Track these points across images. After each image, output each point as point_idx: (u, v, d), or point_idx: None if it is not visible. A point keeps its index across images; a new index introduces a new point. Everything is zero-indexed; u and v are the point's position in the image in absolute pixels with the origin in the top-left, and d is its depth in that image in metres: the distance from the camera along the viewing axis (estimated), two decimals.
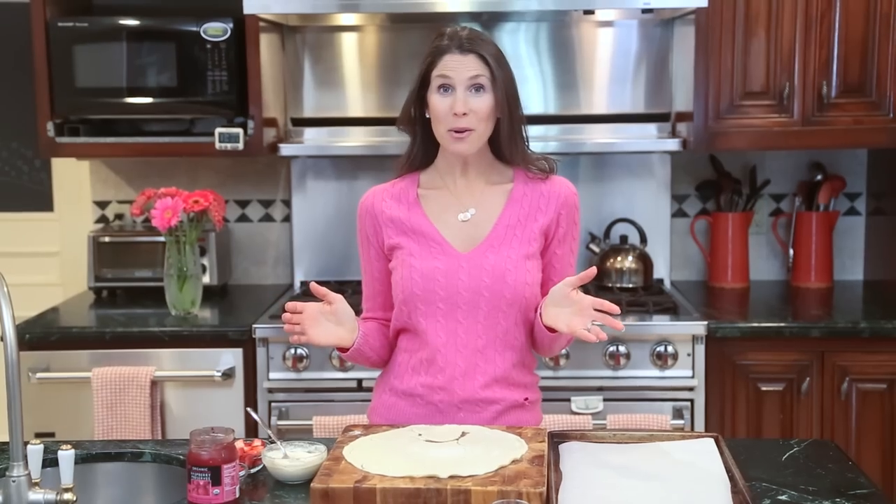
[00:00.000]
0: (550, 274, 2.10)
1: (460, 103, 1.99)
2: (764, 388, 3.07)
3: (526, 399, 2.13)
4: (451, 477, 1.71)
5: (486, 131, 2.04)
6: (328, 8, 3.18)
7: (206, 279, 3.41)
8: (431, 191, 2.13)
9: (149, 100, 3.30)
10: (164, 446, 2.10)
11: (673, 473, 1.82)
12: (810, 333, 3.05)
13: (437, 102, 2.02)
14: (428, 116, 2.07)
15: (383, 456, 1.80)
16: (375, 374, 3.05)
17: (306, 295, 3.41)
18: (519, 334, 2.09)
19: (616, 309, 1.88)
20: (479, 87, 2.01)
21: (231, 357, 3.07)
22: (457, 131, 2.01)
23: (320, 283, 3.54)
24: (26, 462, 1.68)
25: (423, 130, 2.09)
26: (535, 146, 3.38)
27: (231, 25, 3.24)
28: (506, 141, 2.05)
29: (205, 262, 3.43)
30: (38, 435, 2.94)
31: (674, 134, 3.53)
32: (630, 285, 3.45)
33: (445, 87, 2.02)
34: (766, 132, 3.25)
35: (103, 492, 2.05)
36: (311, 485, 1.71)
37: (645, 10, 3.19)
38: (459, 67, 2.00)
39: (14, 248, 3.92)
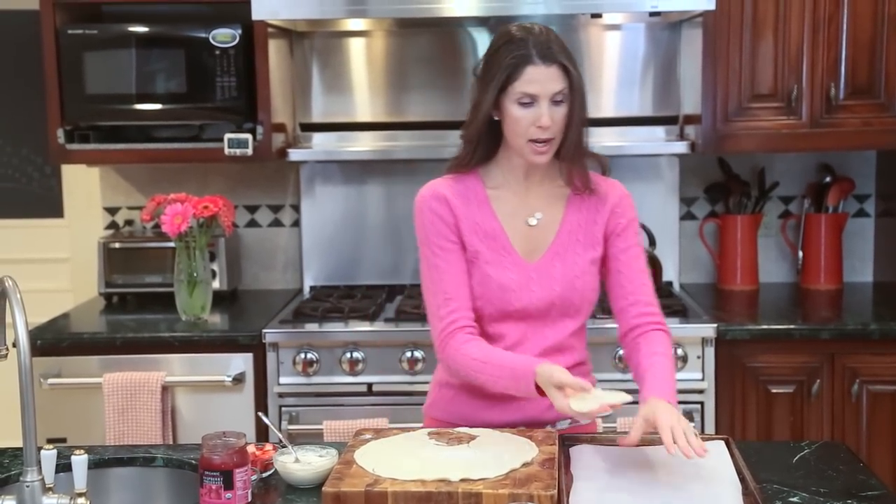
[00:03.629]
0: (619, 266, 2.07)
1: (546, 118, 1.94)
2: (774, 391, 3.06)
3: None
4: (462, 480, 1.71)
5: (562, 138, 2.00)
6: (336, 13, 3.19)
7: (215, 284, 3.42)
8: (497, 190, 2.08)
9: (158, 106, 3.31)
10: (176, 451, 2.11)
11: (684, 476, 1.82)
12: (820, 335, 3.04)
13: (518, 114, 1.95)
14: (496, 119, 2.00)
15: (394, 459, 1.81)
16: (385, 378, 3.08)
17: (315, 299, 3.42)
18: (581, 335, 2.12)
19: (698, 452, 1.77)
20: (560, 99, 1.96)
21: (241, 362, 3.08)
22: (539, 142, 1.97)
23: (329, 287, 3.58)
24: (40, 467, 1.69)
25: (488, 129, 2.02)
26: None
27: (239, 31, 3.25)
28: (575, 144, 2.01)
29: (214, 267, 3.44)
30: (49, 440, 2.95)
31: (682, 137, 3.53)
32: None
33: (527, 102, 1.95)
34: (774, 134, 3.25)
35: (116, 497, 2.05)
36: (323, 488, 1.72)
37: (652, 14, 3.20)
38: (544, 81, 1.93)
39: (25, 255, 3.94)
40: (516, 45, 1.95)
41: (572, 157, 2.02)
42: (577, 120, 1.98)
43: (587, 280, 2.06)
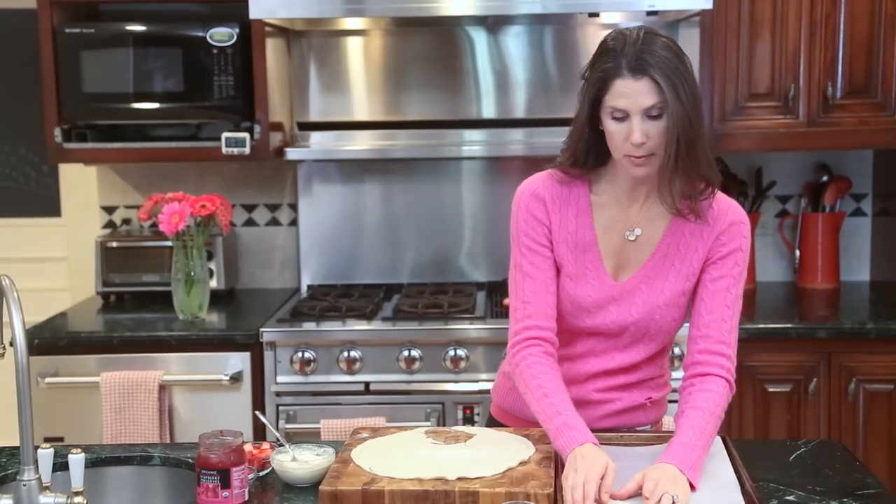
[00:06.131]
0: (704, 294, 1.95)
1: (637, 134, 1.81)
2: (771, 389, 3.07)
3: (649, 399, 2.07)
4: (459, 479, 1.71)
5: (667, 152, 1.84)
6: (333, 12, 3.19)
7: (213, 283, 3.42)
8: (601, 197, 1.97)
9: (155, 105, 3.31)
10: (174, 450, 2.11)
11: None
12: (817, 334, 3.05)
13: (612, 129, 1.84)
14: (600, 128, 1.89)
15: (391, 458, 1.81)
16: (383, 377, 3.08)
17: (313, 298, 3.42)
18: (658, 358, 2.04)
19: None
20: (656, 113, 1.81)
21: (239, 361, 3.08)
22: (636, 157, 1.85)
23: (326, 286, 3.59)
24: (37, 466, 1.69)
25: (594, 137, 1.91)
26: (542, 150, 3.41)
27: (237, 30, 3.25)
28: (673, 163, 1.83)
29: (212, 266, 3.45)
30: (47, 439, 2.95)
31: None
32: None
33: (619, 117, 1.83)
34: (771, 133, 3.25)
35: (113, 496, 2.05)
36: (320, 487, 1.72)
37: (650, 13, 3.20)
38: (632, 95, 1.80)
39: (22, 254, 3.94)
40: (607, 56, 1.83)
41: (671, 178, 1.86)
42: (674, 139, 1.80)
43: (669, 311, 1.96)
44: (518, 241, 1.99)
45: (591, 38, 3.56)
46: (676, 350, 3.00)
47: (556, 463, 1.82)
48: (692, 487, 1.76)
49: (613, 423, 2.06)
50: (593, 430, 1.91)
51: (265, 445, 2.01)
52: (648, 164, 1.85)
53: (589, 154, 1.94)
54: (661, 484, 1.72)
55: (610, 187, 1.97)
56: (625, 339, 2.00)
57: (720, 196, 1.97)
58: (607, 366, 2.02)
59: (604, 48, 1.86)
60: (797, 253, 3.61)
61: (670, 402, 2.17)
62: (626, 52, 1.81)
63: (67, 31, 3.26)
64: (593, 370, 2.02)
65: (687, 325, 2.03)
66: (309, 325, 3.14)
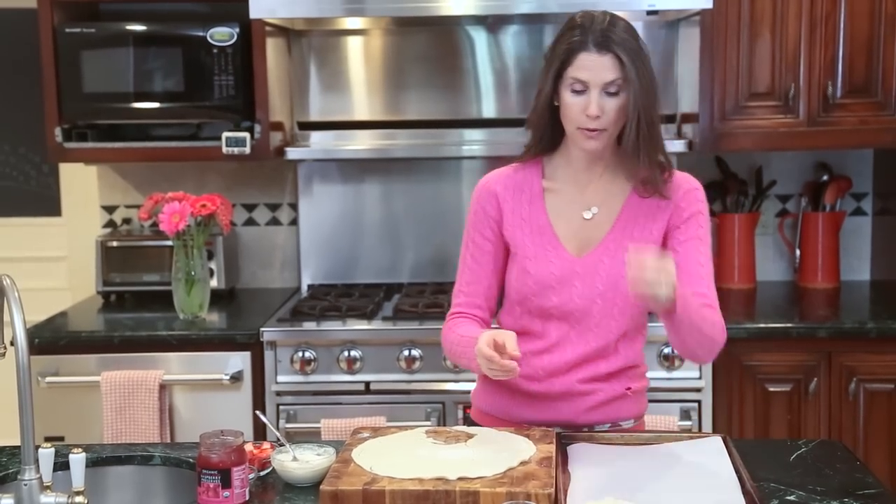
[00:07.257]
0: (676, 258, 1.91)
1: (594, 106, 1.91)
2: (771, 389, 3.07)
3: (628, 389, 2.09)
4: (460, 478, 1.71)
5: (618, 129, 1.96)
6: (334, 12, 3.19)
7: (213, 283, 3.42)
8: (555, 183, 2.06)
9: (156, 105, 3.31)
10: (174, 449, 2.11)
11: (681, 474, 1.82)
12: (817, 334, 3.05)
13: (570, 101, 1.94)
14: (557, 104, 1.98)
15: (392, 458, 1.81)
16: (383, 377, 3.08)
17: (313, 298, 3.43)
18: (634, 340, 2.07)
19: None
20: (614, 90, 1.92)
21: (239, 360, 3.08)
22: (588, 130, 1.94)
23: (327, 286, 3.59)
24: (38, 466, 1.69)
25: (551, 116, 1.99)
26: None
27: (237, 30, 3.25)
28: (634, 138, 1.94)
29: (212, 265, 3.45)
30: (47, 439, 2.95)
31: (679, 135, 3.53)
32: None
33: (579, 89, 1.93)
34: (771, 133, 3.25)
35: (114, 495, 2.06)
36: (321, 487, 1.72)
37: (650, 12, 3.20)
38: (595, 68, 1.90)
39: (22, 253, 3.94)
40: (574, 31, 1.93)
41: (633, 154, 1.95)
42: (635, 114, 1.92)
43: None
44: (467, 232, 2.11)
45: None
46: (666, 350, 3.00)
47: (557, 462, 1.82)
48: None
49: (598, 416, 2.07)
50: (581, 424, 2.00)
51: (266, 445, 2.01)
52: (599, 138, 1.95)
53: (543, 136, 2.03)
54: (655, 264, 1.76)
55: (565, 170, 2.05)
56: (595, 316, 2.02)
57: (675, 174, 2.05)
58: (585, 350, 2.03)
59: (572, 24, 1.96)
60: (797, 252, 3.61)
61: (651, 402, 2.19)
62: (593, 30, 1.92)
63: (68, 30, 3.26)
64: (572, 357, 2.03)
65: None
66: (309, 325, 3.14)
